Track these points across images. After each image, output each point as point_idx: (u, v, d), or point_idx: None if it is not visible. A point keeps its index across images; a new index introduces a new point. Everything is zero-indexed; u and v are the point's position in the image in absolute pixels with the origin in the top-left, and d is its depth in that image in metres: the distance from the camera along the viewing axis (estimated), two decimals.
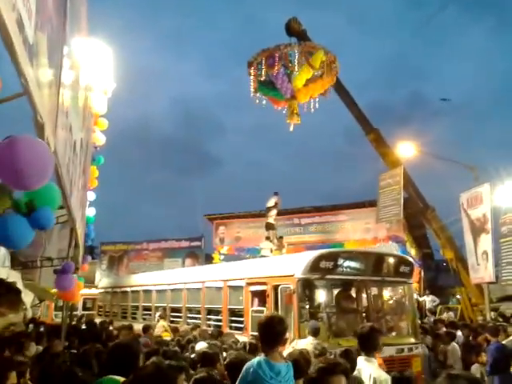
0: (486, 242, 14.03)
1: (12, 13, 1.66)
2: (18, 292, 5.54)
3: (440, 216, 16.99)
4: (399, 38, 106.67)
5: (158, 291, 13.10)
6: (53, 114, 2.94)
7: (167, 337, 9.40)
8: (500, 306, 14.63)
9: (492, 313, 13.44)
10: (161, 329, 10.41)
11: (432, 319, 13.71)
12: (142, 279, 15.44)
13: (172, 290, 12.32)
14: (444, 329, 10.17)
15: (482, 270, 14.15)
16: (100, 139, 9.10)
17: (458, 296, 17.45)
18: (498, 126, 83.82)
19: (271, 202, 16.91)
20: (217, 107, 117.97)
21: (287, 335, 3.95)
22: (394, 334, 8.68)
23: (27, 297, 7.30)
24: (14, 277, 6.10)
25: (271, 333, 3.41)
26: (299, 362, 3.89)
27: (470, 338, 9.68)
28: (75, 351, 6.56)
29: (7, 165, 2.11)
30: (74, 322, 14.78)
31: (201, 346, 6.22)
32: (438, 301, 17.85)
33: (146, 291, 13.80)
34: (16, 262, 8.21)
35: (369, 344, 4.37)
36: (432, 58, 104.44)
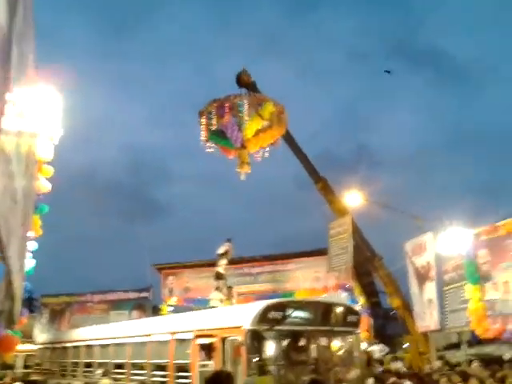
0: (430, 289, 14.38)
1: None
2: None
3: (387, 264, 17.39)
4: (347, 89, 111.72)
5: (101, 346, 12.47)
6: None
7: None
8: (446, 354, 14.87)
9: (438, 361, 13.59)
10: None
11: (380, 369, 13.69)
12: (84, 334, 14.69)
13: (116, 345, 11.75)
14: (392, 379, 10.14)
15: (427, 318, 14.42)
16: (44, 186, 8.82)
17: (406, 344, 17.61)
18: (441, 176, 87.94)
19: (222, 249, 16.74)
20: (166, 154, 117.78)
21: None
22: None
23: None
24: None
25: None
26: None
27: None
28: None
29: None
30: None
31: None
32: (386, 350, 17.93)
33: (88, 346, 13.12)
34: None
35: None
36: (378, 110, 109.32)
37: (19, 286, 7.64)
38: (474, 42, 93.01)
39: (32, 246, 9.48)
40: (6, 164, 3.40)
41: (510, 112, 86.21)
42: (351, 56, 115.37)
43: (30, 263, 9.66)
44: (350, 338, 9.51)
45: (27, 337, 20.36)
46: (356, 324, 9.11)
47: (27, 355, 19.16)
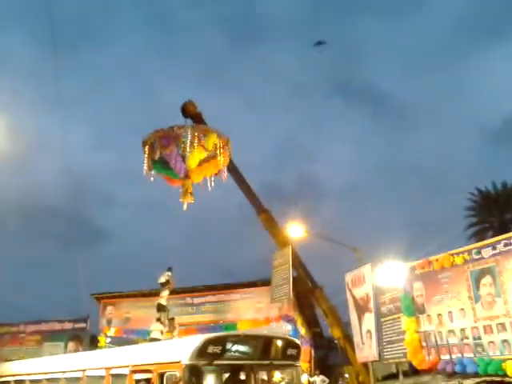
0: (369, 320, 14.65)
1: None
2: None
3: (328, 295, 17.66)
4: (289, 122, 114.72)
5: (31, 382, 11.79)
6: None
7: None
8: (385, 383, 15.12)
9: None
10: None
11: None
12: (14, 368, 13.84)
13: (48, 380, 11.15)
14: None
15: (366, 349, 14.63)
16: None
17: (347, 375, 17.78)
18: (380, 209, 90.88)
19: (163, 278, 16.41)
20: (107, 179, 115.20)
21: None
22: None
23: None
24: None
25: None
26: None
27: None
28: None
29: None
30: None
31: None
32: (327, 381, 18.03)
33: (18, 382, 12.37)
34: None
35: None
36: (320, 142, 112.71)
37: None
38: (412, 84, 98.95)
39: None
40: None
41: (441, 150, 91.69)
42: (294, 90, 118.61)
43: None
44: (290, 371, 9.49)
45: None
46: (296, 357, 9.03)
47: None
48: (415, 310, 12.76)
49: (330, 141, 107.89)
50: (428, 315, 12.42)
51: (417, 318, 12.69)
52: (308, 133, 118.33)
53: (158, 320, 15.78)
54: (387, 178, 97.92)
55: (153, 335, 14.85)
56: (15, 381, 12.53)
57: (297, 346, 9.16)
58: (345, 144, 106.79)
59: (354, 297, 15.51)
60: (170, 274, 16.20)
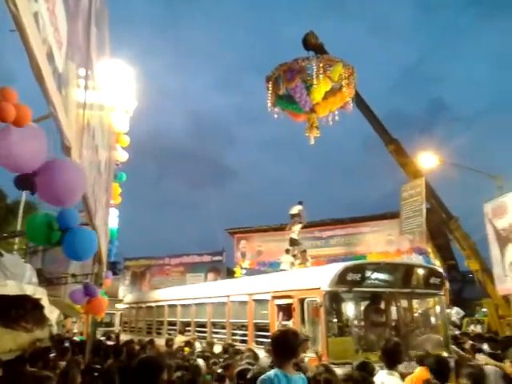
0: None
1: (42, 46, 1.74)
2: (43, 308, 5.65)
3: (464, 226, 16.75)
4: (418, 43, 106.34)
5: (182, 306, 13.06)
6: (79, 136, 3.04)
7: (186, 351, 9.40)
8: None
9: None
10: (178, 344, 10.42)
11: (456, 332, 13.44)
12: (167, 294, 15.34)
13: (197, 305, 12.24)
14: (470, 342, 9.95)
15: (509, 281, 13.87)
16: (122, 156, 9.26)
17: (485, 308, 17.09)
18: None
19: (295, 210, 16.76)
20: (231, 119, 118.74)
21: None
22: (425, 348, 8.37)
23: (53, 313, 7.40)
24: (41, 293, 6.20)
25: (287, 346, 3.41)
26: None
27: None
28: (99, 367, 6.60)
29: (46, 185, 2.27)
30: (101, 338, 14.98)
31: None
32: (462, 313, 17.51)
33: (171, 306, 13.80)
34: (42, 279, 8.36)
35: (392, 358, 4.38)
36: (451, 63, 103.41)
37: (104, 251, 8.19)
38: None
39: (114, 212, 10.07)
40: (91, 138, 3.63)
41: None
42: (421, 8, 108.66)
43: (114, 224, 10.28)
44: (432, 301, 9.26)
45: (113, 297, 21.91)
46: (439, 286, 8.73)
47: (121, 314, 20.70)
48: None
49: (462, 61, 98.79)
50: None
51: None
52: (438, 53, 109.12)
53: (287, 251, 16.38)
54: None
55: (282, 267, 15.49)
56: (169, 305, 13.95)
57: (440, 275, 8.85)
58: (479, 62, 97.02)
59: (495, 228, 14.60)
60: (300, 207, 16.53)
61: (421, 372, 4.78)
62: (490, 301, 15.97)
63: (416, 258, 18.23)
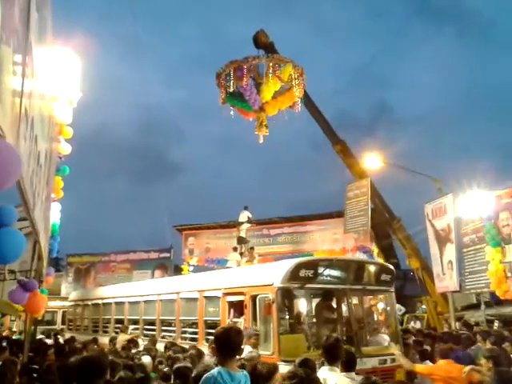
0: (450, 251, 14.34)
1: None
2: None
3: (405, 226, 17.34)
4: (364, 48, 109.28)
5: (130, 303, 12.69)
6: (15, 125, 2.90)
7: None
8: (464, 314, 14.94)
9: (457, 322, 13.69)
10: (121, 343, 10.20)
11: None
12: (113, 291, 14.91)
13: (145, 302, 11.93)
14: (413, 338, 10.28)
15: (447, 279, 14.44)
16: (65, 149, 8.92)
17: (424, 306, 17.72)
18: (460, 136, 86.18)
19: (243, 217, 16.93)
20: (179, 115, 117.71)
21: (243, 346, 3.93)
22: (375, 344, 8.44)
23: None
24: None
25: (229, 344, 3.41)
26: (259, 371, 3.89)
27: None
28: (37, 367, 6.34)
29: None
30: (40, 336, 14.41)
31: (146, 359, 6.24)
32: (404, 310, 18.09)
33: (118, 303, 13.44)
34: None
35: (333, 354, 4.46)
36: (397, 67, 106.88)
37: (45, 247, 7.88)
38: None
39: (57, 207, 9.71)
40: (30, 128, 3.47)
41: None
42: (368, 14, 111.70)
43: (55, 219, 9.91)
44: (383, 297, 9.42)
45: (55, 294, 21.19)
46: (390, 283, 8.83)
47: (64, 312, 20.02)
48: (501, 240, 12.29)
49: (407, 66, 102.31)
50: None
51: (502, 248, 12.23)
52: (384, 58, 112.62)
53: (235, 249, 16.49)
54: (470, 103, 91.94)
55: (229, 264, 15.56)
56: (115, 303, 13.60)
57: (391, 272, 8.90)
58: (423, 69, 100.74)
59: (434, 228, 15.16)
60: (249, 214, 16.67)
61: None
62: (430, 298, 16.62)
63: (360, 256, 18.70)
